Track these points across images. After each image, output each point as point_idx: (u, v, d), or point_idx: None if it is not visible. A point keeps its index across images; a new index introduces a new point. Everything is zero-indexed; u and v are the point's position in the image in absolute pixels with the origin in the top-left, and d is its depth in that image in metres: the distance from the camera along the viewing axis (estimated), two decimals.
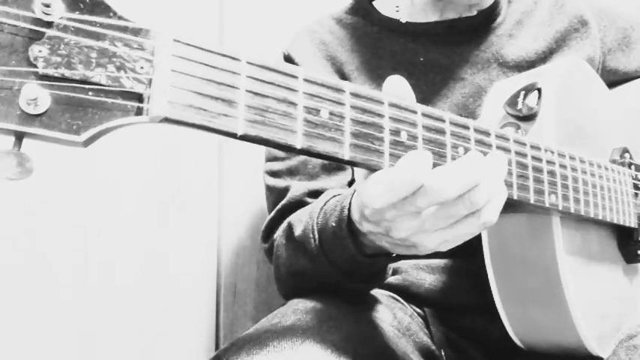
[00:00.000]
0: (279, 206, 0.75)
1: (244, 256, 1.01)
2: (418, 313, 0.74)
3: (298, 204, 0.74)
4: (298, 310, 0.60)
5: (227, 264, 1.00)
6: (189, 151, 0.95)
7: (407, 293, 0.74)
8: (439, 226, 0.46)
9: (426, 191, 0.44)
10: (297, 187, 0.75)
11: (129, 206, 0.88)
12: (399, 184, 0.43)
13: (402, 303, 0.74)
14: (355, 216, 0.54)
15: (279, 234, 0.72)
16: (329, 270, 0.61)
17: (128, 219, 0.88)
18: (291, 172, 0.77)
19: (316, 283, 0.65)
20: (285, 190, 0.76)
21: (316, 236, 0.61)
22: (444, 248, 0.49)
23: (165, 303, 0.91)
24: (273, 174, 0.79)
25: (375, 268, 0.62)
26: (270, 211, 0.78)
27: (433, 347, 0.71)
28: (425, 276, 0.74)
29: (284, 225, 0.71)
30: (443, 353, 0.70)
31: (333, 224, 0.58)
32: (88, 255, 0.84)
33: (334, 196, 0.63)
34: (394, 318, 0.69)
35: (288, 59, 0.82)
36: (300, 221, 0.66)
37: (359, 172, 0.48)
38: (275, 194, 0.78)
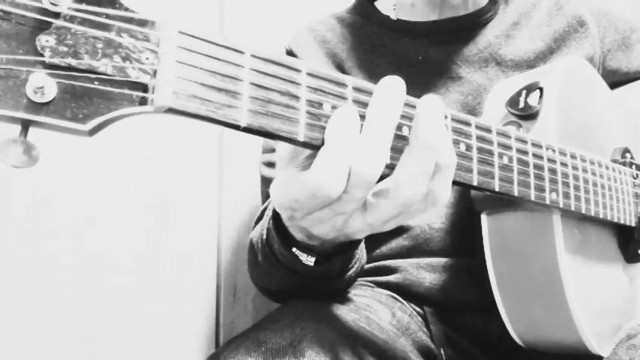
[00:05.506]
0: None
1: (244, 256, 1.00)
2: (418, 312, 0.74)
3: None
4: (296, 309, 0.59)
5: (227, 264, 0.99)
6: (188, 150, 0.95)
7: (406, 292, 0.74)
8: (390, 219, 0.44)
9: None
10: None
11: (128, 205, 0.88)
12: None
13: (402, 302, 0.74)
14: (298, 236, 0.53)
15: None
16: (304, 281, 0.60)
17: (127, 218, 0.88)
18: None
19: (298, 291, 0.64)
20: None
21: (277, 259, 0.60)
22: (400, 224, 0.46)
23: (165, 303, 0.91)
24: (269, 164, 0.80)
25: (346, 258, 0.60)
26: (263, 202, 0.79)
27: (432, 346, 0.70)
28: (425, 275, 0.74)
29: (249, 243, 0.71)
30: (442, 352, 0.70)
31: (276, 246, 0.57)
32: (87, 254, 0.84)
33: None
34: (393, 317, 0.69)
35: (290, 55, 0.83)
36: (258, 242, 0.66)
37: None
38: (269, 185, 0.78)
